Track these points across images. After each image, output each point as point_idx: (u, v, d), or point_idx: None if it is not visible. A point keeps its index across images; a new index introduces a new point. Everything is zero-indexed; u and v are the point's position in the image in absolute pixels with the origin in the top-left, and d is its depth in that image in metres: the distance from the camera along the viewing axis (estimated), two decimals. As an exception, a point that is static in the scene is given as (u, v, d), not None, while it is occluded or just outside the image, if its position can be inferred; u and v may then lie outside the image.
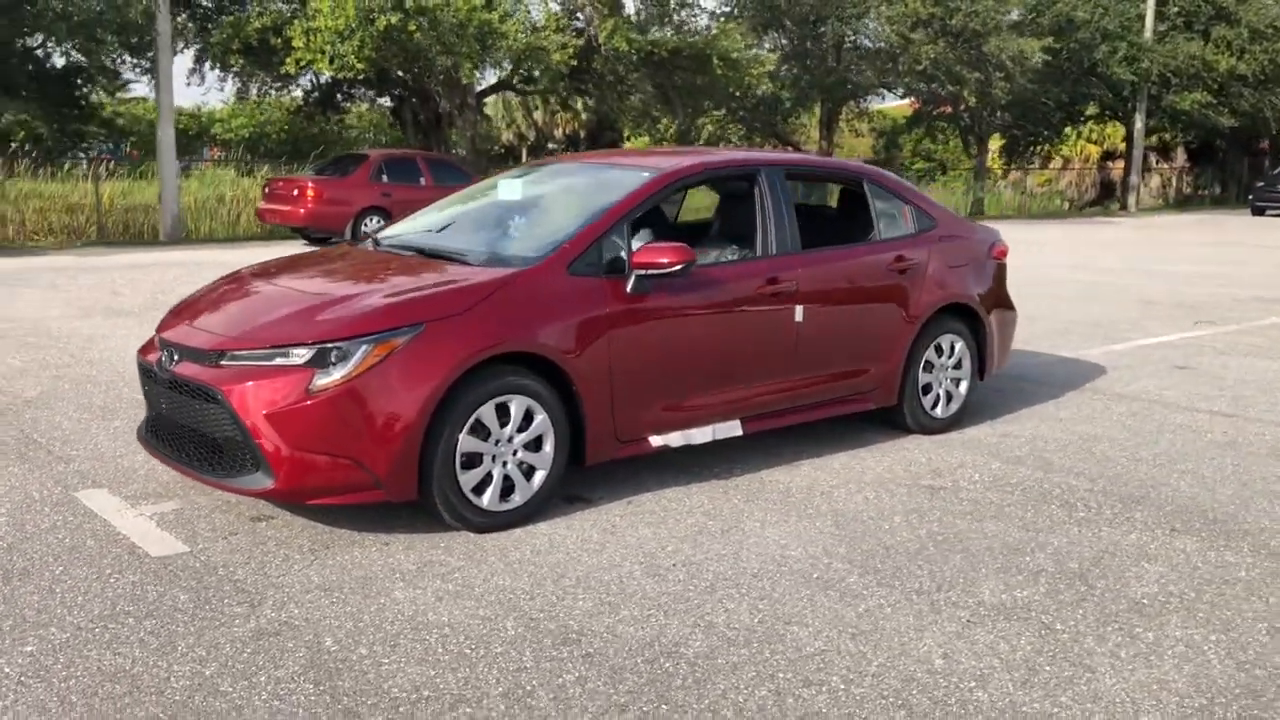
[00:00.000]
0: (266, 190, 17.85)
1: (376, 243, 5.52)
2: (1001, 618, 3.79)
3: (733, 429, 5.29)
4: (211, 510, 4.66)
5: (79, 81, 18.95)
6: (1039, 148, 41.62)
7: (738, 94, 23.65)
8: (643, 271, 4.76)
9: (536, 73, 22.19)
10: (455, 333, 4.28)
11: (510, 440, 4.48)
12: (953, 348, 6.23)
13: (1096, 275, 15.52)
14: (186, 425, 4.44)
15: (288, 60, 18.59)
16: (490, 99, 27.36)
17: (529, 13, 20.16)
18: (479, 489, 4.42)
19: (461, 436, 4.31)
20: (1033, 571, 4.22)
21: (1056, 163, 46.19)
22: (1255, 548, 4.52)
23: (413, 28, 17.52)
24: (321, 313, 4.36)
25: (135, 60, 18.72)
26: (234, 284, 5.05)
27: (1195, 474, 5.57)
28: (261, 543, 4.33)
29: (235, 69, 21.50)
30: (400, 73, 21.33)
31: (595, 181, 5.38)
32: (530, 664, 3.38)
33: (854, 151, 43.78)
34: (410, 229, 5.64)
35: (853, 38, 28.72)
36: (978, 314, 6.31)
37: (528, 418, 4.51)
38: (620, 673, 3.33)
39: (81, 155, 25.01)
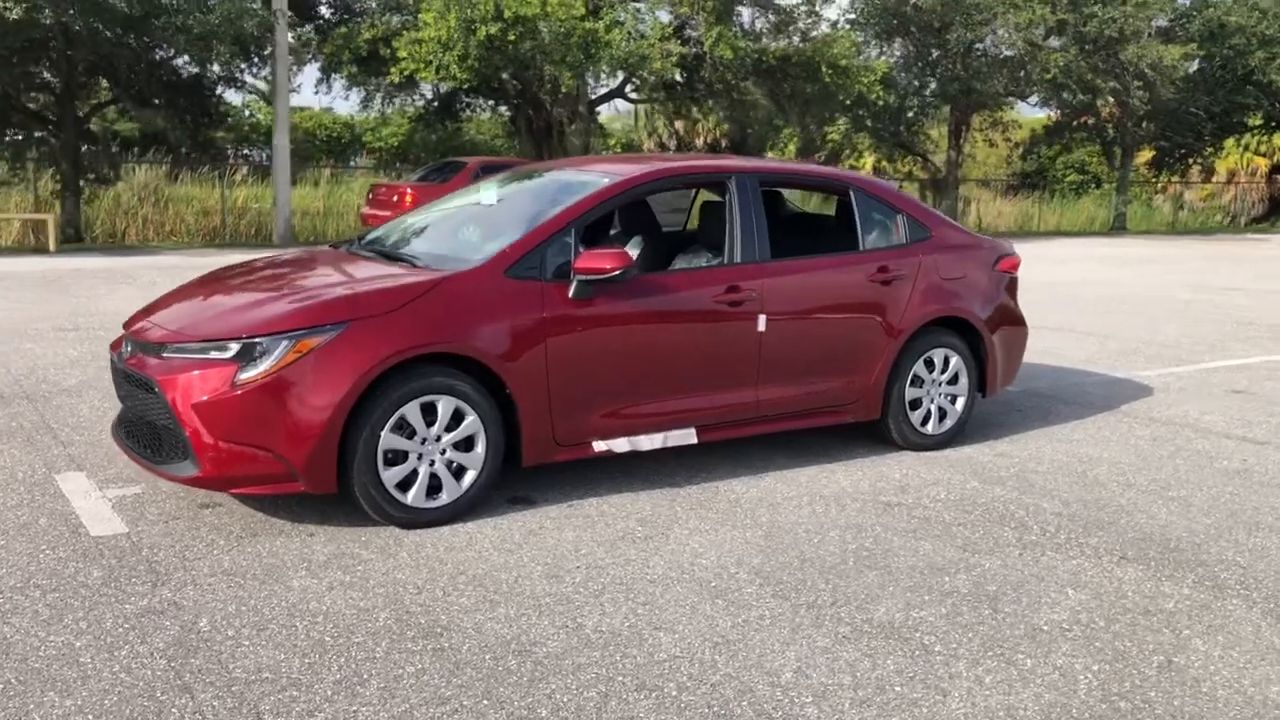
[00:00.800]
0: (370, 196, 18.51)
1: (354, 244, 5.71)
2: (882, 636, 3.69)
3: (687, 437, 5.27)
4: (168, 496, 4.90)
5: (206, 90, 19.99)
6: (1192, 160, 39.55)
7: (847, 101, 23.29)
8: (584, 277, 4.80)
9: (652, 80, 22.44)
10: (378, 332, 4.40)
11: (438, 440, 4.58)
12: (946, 362, 6.05)
13: (1204, 294, 14.78)
14: (138, 414, 4.68)
15: (392, 70, 19.27)
16: (601, 108, 27.63)
17: (636, 22, 20.31)
18: (404, 486, 4.53)
19: (384, 434, 4.43)
20: (943, 592, 4.09)
21: (1221, 175, 43.81)
22: (1200, 580, 4.28)
23: (512, 37, 17.90)
24: (253, 310, 4.54)
25: (254, 70, 19.65)
26: (201, 282, 5.30)
27: (1183, 501, 5.28)
28: (196, 528, 4.54)
29: (348, 78, 22.34)
30: (514, 81, 21.82)
31: (561, 187, 5.44)
32: (380, 654, 3.46)
33: (991, 163, 42.53)
34: (387, 231, 5.82)
35: (980, 45, 27.98)
36: (975, 328, 6.12)
37: (457, 418, 4.60)
38: (461, 668, 3.39)
39: (243, 160, 26.49)
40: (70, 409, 6.49)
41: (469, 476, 4.67)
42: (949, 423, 6.11)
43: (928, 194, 32.63)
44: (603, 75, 20.60)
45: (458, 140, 32.59)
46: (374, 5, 21.38)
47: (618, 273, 4.78)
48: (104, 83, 20.14)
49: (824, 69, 21.98)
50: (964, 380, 6.13)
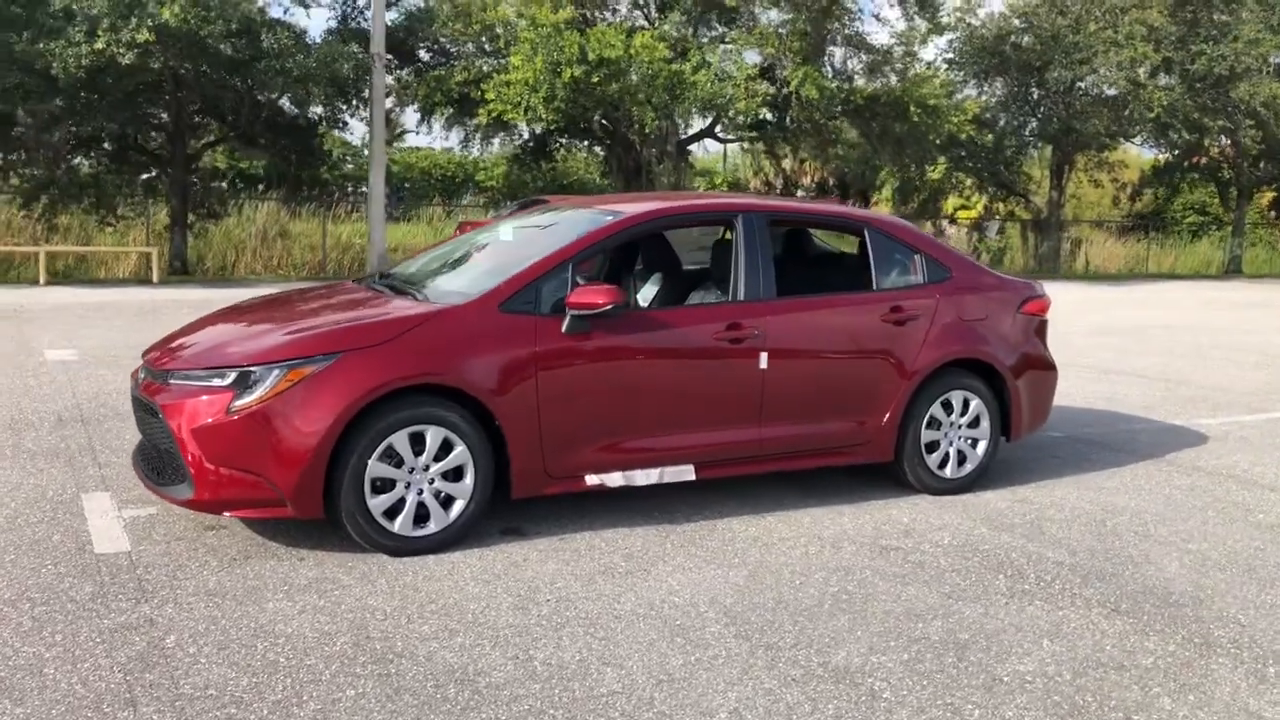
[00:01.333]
0: (457, 232, 18.95)
1: (375, 278, 5.89)
2: (832, 680, 3.64)
3: (684, 473, 5.27)
4: (179, 519, 5.09)
5: (308, 130, 20.80)
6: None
7: (937, 141, 23.01)
8: (577, 312, 4.87)
9: (738, 120, 22.65)
10: (367, 364, 4.53)
11: (426, 469, 4.68)
12: (966, 405, 5.93)
13: (1301, 340, 14.14)
14: (149, 439, 4.90)
15: (480, 111, 19.75)
16: (693, 147, 27.80)
17: (722, 62, 20.46)
18: (392, 514, 4.63)
19: (371, 462, 4.55)
20: (912, 639, 4.01)
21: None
22: (1190, 636, 4.11)
23: (596, 79, 18.22)
24: (254, 340, 4.73)
25: (351, 111, 20.40)
26: (220, 314, 5.53)
27: (1199, 554, 5.08)
28: (194, 549, 4.71)
29: (446, 120, 23.02)
30: (604, 122, 22.18)
31: (570, 225, 5.53)
32: (326, 677, 3.55)
33: (1105, 204, 41.33)
34: (409, 266, 5.99)
35: (1082, 84, 27.38)
36: (998, 371, 5.99)
37: (446, 448, 4.70)
38: (400, 694, 3.45)
39: (360, 197, 27.64)
40: (117, 433, 6.80)
41: (457, 506, 4.76)
42: (969, 467, 5.98)
43: (1030, 235, 32.01)
44: (689, 115, 20.77)
45: (567, 178, 33.24)
46: (470, 49, 22.01)
47: (609, 307, 4.84)
48: (214, 123, 21.14)
49: (912, 108, 21.78)
50: (985, 424, 6.00)
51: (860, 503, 5.75)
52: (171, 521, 5.06)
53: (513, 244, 5.78)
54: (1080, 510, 5.75)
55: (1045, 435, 7.54)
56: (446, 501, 4.75)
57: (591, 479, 5.06)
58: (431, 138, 49.55)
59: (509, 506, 5.27)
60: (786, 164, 36.09)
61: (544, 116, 19.01)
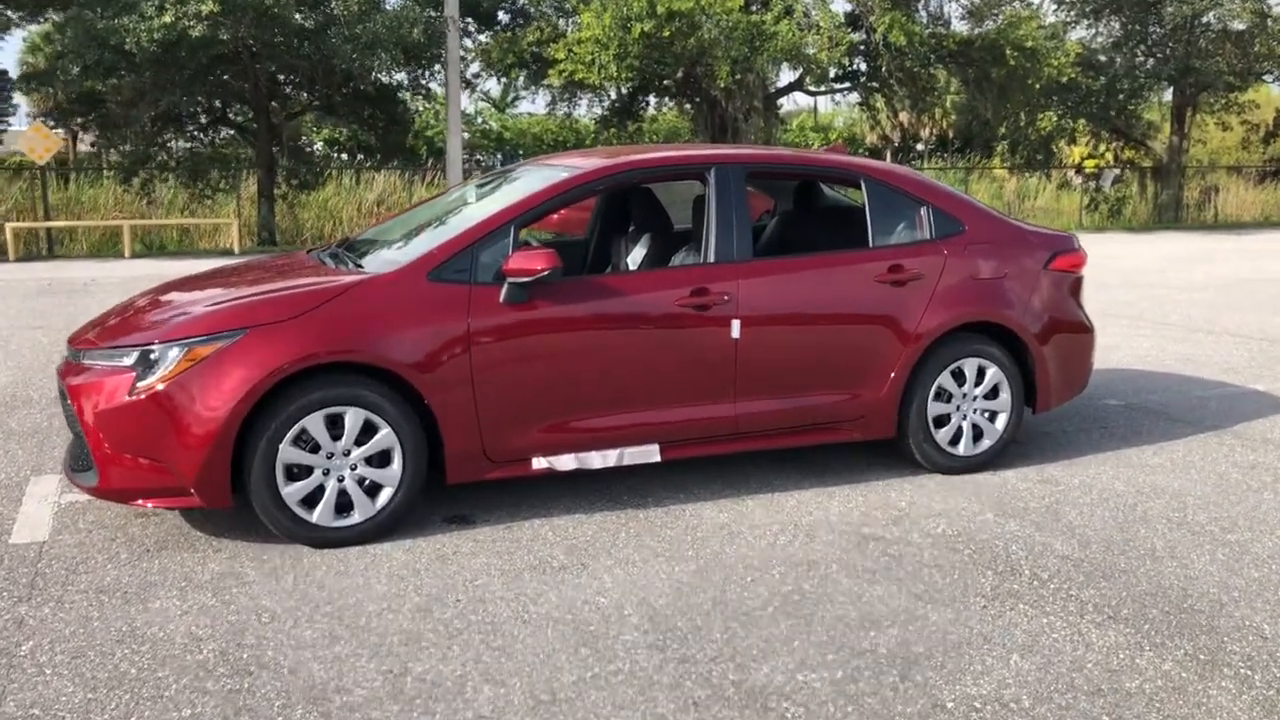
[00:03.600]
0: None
1: (330, 246, 5.52)
2: (740, 704, 3.14)
3: (648, 454, 4.78)
4: (112, 506, 4.82)
5: (389, 97, 20.69)
6: None
7: (1036, 85, 21.59)
8: (515, 279, 4.42)
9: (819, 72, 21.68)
10: (273, 341, 4.15)
11: (347, 454, 4.30)
12: (981, 374, 5.29)
13: None
14: (69, 425, 4.63)
15: (551, 72, 19.30)
16: (782, 101, 26.78)
17: (806, 15, 19.53)
18: (310, 502, 4.27)
19: (283, 447, 4.18)
20: (856, 651, 3.47)
21: None
22: (1194, 651, 3.47)
23: (667, 33, 17.56)
24: (164, 317, 4.40)
25: (427, 76, 20.19)
26: (156, 290, 5.20)
27: (1238, 547, 4.38)
28: (113, 539, 4.43)
29: (525, 81, 22.64)
30: (689, 78, 21.47)
31: (525, 183, 5.05)
32: (170, 693, 3.20)
33: (1227, 148, 38.66)
34: (370, 232, 5.61)
35: (1204, 19, 25.45)
36: (1018, 335, 5.32)
37: (369, 430, 4.31)
38: (239, 714, 3.08)
39: (475, 165, 27.57)
40: (105, 411, 6.61)
41: (385, 494, 4.37)
42: (987, 442, 5.34)
43: (1149, 184, 30.12)
44: (766, 68, 19.90)
45: (655, 137, 32.61)
46: (547, 9, 21.55)
47: (546, 273, 4.37)
48: (296, 94, 21.19)
49: (1008, 51, 20.49)
50: (1005, 395, 5.34)
51: (859, 484, 5.18)
52: (103, 509, 4.79)
53: (472, 207, 5.33)
54: (1111, 492, 5.07)
55: (1098, 404, 6.81)
56: (373, 489, 4.36)
57: (539, 462, 4.61)
58: (522, 102, 49.20)
59: (461, 492, 4.88)
60: (904, 117, 34.58)
61: (616, 75, 18.46)
